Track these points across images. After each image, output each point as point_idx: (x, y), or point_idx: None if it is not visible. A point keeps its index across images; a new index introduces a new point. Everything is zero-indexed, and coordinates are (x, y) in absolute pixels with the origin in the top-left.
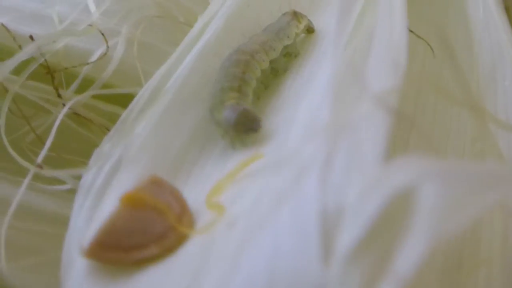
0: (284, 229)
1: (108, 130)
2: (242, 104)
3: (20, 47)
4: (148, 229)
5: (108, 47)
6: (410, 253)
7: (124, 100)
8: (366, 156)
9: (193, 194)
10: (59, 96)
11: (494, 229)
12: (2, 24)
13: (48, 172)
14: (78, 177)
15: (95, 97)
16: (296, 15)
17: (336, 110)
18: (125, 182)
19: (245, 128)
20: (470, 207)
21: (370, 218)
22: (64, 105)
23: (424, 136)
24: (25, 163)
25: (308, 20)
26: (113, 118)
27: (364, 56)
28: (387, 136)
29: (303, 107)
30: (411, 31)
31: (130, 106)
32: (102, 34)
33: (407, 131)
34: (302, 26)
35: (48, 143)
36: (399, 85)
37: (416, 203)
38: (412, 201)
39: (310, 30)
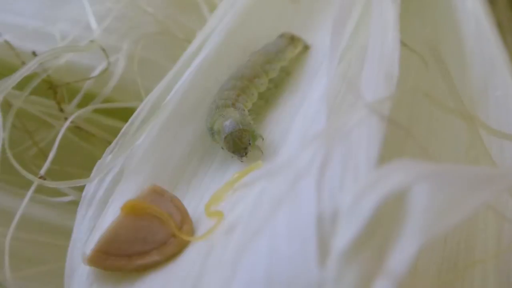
0: (281, 233)
1: (110, 143)
2: (245, 122)
3: (23, 63)
4: (149, 237)
5: (109, 62)
6: (403, 252)
7: (125, 114)
8: (360, 161)
9: (193, 203)
10: (61, 110)
11: (488, 231)
12: (6, 41)
13: (50, 183)
14: (80, 189)
15: (96, 111)
16: (293, 40)
17: (331, 119)
18: (127, 192)
19: (232, 147)
20: (460, 207)
21: (364, 219)
22: (66, 119)
23: (419, 145)
24: (28, 175)
25: (303, 41)
26: (114, 132)
27: (358, 69)
28: (380, 142)
29: (299, 117)
30: (405, 45)
31: (131, 119)
32: (103, 50)
33: (403, 141)
34: (297, 51)
35: (50, 156)
36: (392, 94)
37: (408, 204)
38: (404, 202)
39: (306, 48)
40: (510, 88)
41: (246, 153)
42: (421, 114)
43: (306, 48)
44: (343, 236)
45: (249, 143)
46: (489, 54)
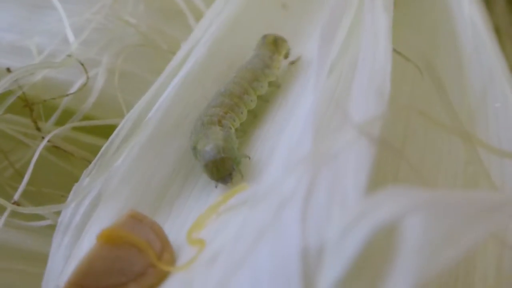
0: (263, 268)
1: (90, 162)
2: (227, 148)
3: None
4: (127, 268)
5: (88, 77)
6: None
7: (106, 131)
8: (347, 189)
9: (175, 227)
10: (38, 129)
11: (488, 260)
12: None
13: (25, 209)
14: (59, 213)
15: (75, 129)
16: (276, 45)
17: (317, 141)
18: (105, 218)
19: (214, 175)
20: (459, 240)
21: (351, 255)
22: (43, 138)
23: (414, 163)
24: (1, 201)
25: (288, 47)
26: (95, 151)
27: (348, 84)
28: (369, 167)
29: (284, 137)
30: (399, 53)
31: (111, 138)
32: (82, 64)
33: (397, 160)
34: (281, 57)
35: (26, 179)
36: (383, 113)
37: (401, 238)
38: (396, 236)
39: (286, 56)
40: (509, 99)
41: (231, 179)
42: (416, 127)
43: (293, 61)
44: (329, 273)
45: (233, 168)
46: (488, 63)
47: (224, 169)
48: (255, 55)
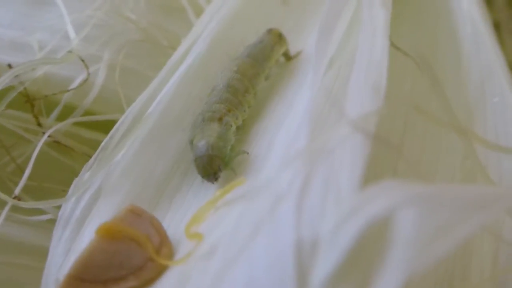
0: (259, 261)
1: (90, 157)
2: (217, 147)
3: None
4: (126, 261)
5: (89, 73)
6: (386, 285)
7: (107, 126)
8: (342, 183)
9: (174, 222)
10: (39, 124)
11: (484, 255)
12: None
13: (25, 204)
14: (59, 207)
15: (76, 124)
16: (280, 39)
17: (313, 137)
18: (105, 212)
19: (200, 172)
20: (452, 232)
21: (345, 248)
22: (44, 133)
23: (412, 158)
24: (2, 196)
25: (287, 44)
26: (96, 146)
27: (345, 80)
28: (364, 161)
29: (282, 132)
30: (398, 48)
31: (111, 133)
32: (83, 60)
33: (395, 155)
34: (281, 51)
35: (26, 174)
36: (379, 108)
37: (393, 231)
38: (389, 229)
39: (287, 57)
40: (507, 95)
41: (216, 179)
42: (415, 122)
43: (288, 58)
44: (323, 266)
45: (219, 169)
46: (486, 59)
47: (210, 168)
48: (258, 42)
